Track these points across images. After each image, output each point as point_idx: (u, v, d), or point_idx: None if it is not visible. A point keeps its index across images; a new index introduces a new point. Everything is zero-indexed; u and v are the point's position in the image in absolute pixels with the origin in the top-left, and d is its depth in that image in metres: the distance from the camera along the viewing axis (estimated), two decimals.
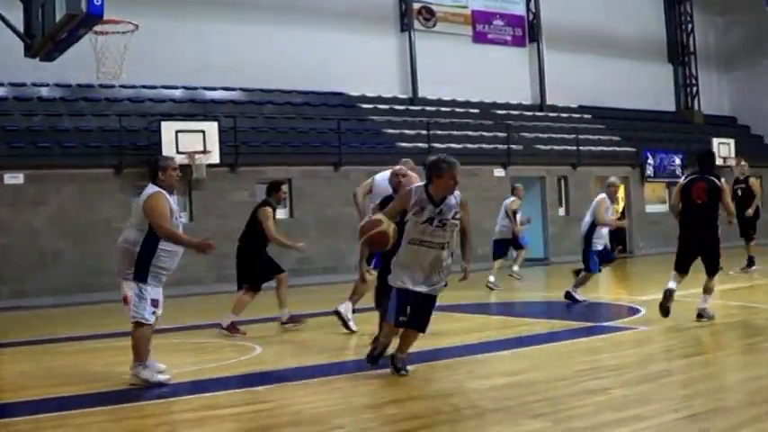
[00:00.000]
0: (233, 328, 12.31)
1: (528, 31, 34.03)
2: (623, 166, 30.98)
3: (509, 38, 33.42)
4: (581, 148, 30.17)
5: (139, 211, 8.62)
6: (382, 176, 11.90)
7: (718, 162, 31.55)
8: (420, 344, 9.10)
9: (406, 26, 31.27)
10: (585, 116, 34.35)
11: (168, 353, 10.05)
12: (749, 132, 39.75)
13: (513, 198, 19.49)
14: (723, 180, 11.90)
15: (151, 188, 8.68)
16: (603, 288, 18.72)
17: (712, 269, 11.58)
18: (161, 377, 8.56)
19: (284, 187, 13.50)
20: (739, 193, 19.94)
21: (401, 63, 31.26)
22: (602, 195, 15.13)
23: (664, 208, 31.83)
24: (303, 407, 7.61)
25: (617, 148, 32.16)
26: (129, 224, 8.95)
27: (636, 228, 30.94)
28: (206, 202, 23.18)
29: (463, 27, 32.50)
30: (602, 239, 15.15)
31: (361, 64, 29.56)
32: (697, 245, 11.63)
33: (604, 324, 12.49)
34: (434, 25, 31.76)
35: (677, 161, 32.02)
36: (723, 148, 32.42)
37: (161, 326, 9.45)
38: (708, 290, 11.69)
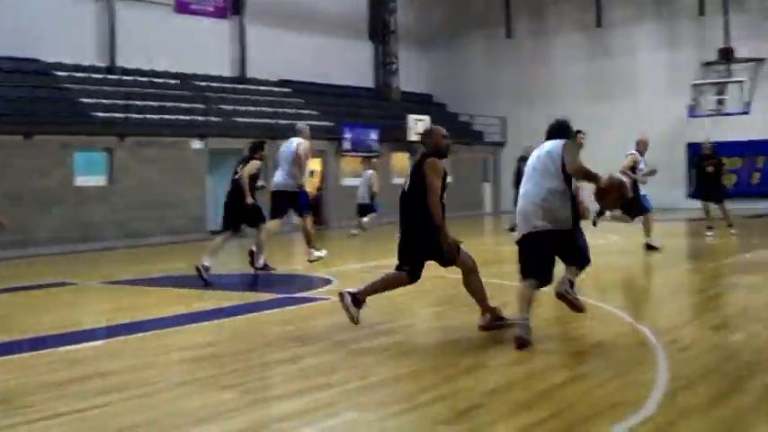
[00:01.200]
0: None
1: (231, 3, 33.72)
2: (321, 140, 31.38)
3: (211, 9, 32.93)
4: (280, 121, 30.30)
5: None
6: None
7: (413, 138, 32.75)
8: (113, 317, 8.84)
9: None
10: (286, 90, 34.53)
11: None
12: (445, 110, 41.38)
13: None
14: None
15: None
16: (297, 259, 18.88)
17: None
18: None
19: None
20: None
21: (99, 31, 30.12)
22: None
23: (358, 181, 32.62)
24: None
25: (315, 122, 32.51)
26: None
27: (331, 201, 31.47)
28: None
29: None
30: None
31: (58, 30, 28.26)
32: None
33: (297, 295, 12.57)
34: None
35: (374, 136, 32.83)
36: (419, 125, 33.57)
37: None
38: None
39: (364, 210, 24.22)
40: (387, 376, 7.17)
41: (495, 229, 29.08)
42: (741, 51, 33.88)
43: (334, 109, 34.08)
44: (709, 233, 20.52)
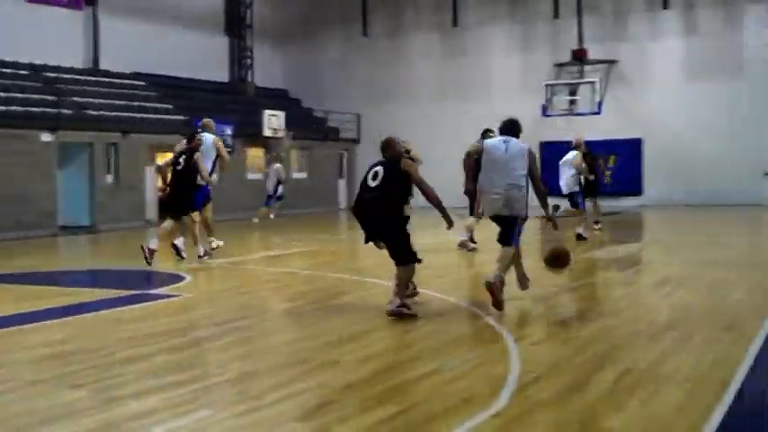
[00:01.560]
0: None
1: None
2: (175, 134, 30.98)
3: None
4: (133, 114, 29.80)
5: None
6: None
7: (268, 133, 32.69)
8: None
9: None
10: (139, 83, 33.95)
11: None
12: (300, 105, 41.37)
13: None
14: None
15: None
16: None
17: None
18: None
19: None
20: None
21: None
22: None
23: (213, 177, 32.31)
24: None
25: (170, 117, 32.13)
26: None
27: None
28: None
29: None
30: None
31: None
32: None
33: (149, 292, 12.45)
34: None
35: (228, 131, 32.59)
36: (273, 120, 33.54)
37: None
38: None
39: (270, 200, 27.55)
40: (239, 373, 7.19)
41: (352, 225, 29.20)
42: (594, 53, 34.88)
43: (188, 103, 33.67)
44: (596, 227, 21.19)
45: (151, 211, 29.83)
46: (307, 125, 38.09)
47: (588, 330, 8.80)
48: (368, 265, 15.57)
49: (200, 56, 37.38)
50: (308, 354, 7.86)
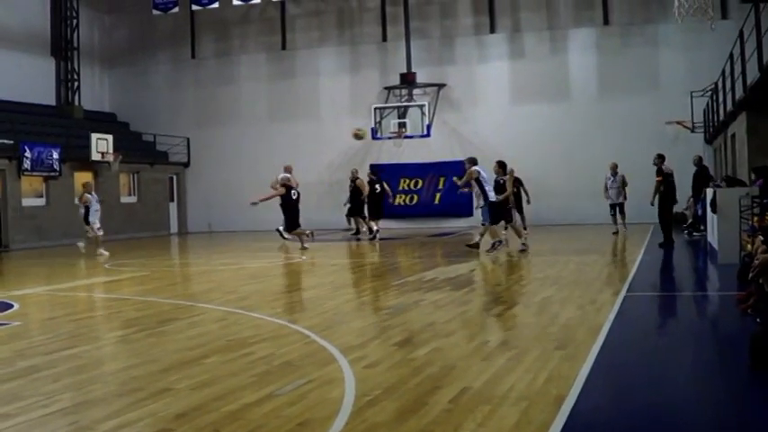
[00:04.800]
0: None
1: None
2: (0, 158, 30.20)
3: None
4: None
5: None
6: None
7: (96, 157, 32.14)
8: None
9: None
10: None
11: None
12: (129, 129, 40.74)
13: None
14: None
15: None
16: None
17: None
18: None
19: None
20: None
21: None
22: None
23: (41, 201, 31.63)
24: None
25: None
26: None
27: (11, 222, 30.28)
28: None
29: None
30: None
31: None
32: None
33: None
34: None
35: (55, 155, 31.90)
36: (101, 144, 32.98)
37: None
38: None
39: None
40: (71, 404, 7.10)
41: (188, 249, 29.04)
42: (422, 76, 35.59)
43: (14, 126, 32.77)
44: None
45: None
46: (135, 149, 37.58)
47: (422, 351, 8.89)
48: (199, 291, 15.54)
49: (26, 78, 36.53)
50: (140, 382, 7.80)
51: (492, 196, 21.11)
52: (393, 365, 8.29)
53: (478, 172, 21.16)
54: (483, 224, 21.51)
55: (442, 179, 35.24)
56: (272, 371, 8.16)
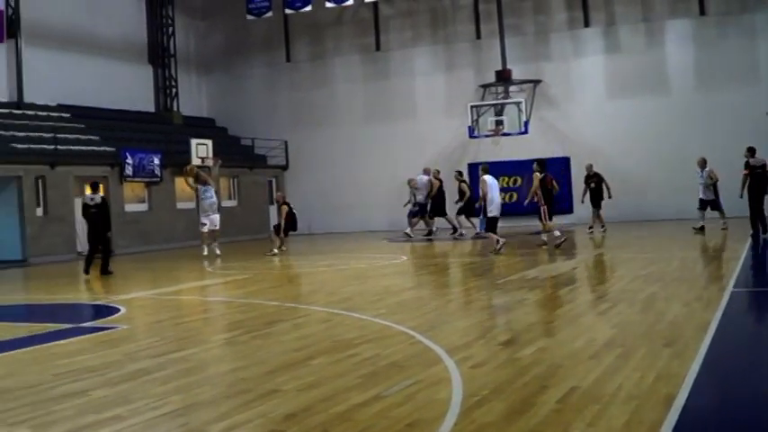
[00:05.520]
0: None
1: (6, 26, 32.53)
2: (103, 165, 30.78)
3: None
4: (60, 147, 29.48)
5: None
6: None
7: (197, 162, 32.51)
8: None
9: None
10: (65, 115, 33.61)
11: None
12: (227, 133, 41.23)
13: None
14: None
15: None
16: (83, 288, 18.50)
17: None
18: None
19: None
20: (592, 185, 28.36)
21: None
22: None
23: (143, 207, 32.15)
24: None
25: (96, 148, 31.85)
26: None
27: (115, 227, 30.75)
28: None
29: None
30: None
31: None
32: None
33: (84, 325, 12.35)
34: None
35: (156, 161, 32.42)
36: (201, 149, 33.37)
37: None
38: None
39: None
40: (181, 406, 7.13)
41: (288, 251, 29.21)
42: (518, 73, 35.21)
43: (115, 134, 33.44)
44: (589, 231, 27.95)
45: (82, 243, 29.52)
46: (234, 153, 37.99)
47: (528, 351, 8.75)
48: (302, 292, 15.61)
49: (126, 86, 37.24)
50: (248, 384, 7.82)
51: (496, 206, 21.95)
52: (499, 365, 8.17)
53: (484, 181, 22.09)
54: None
55: None
56: (378, 371, 8.10)
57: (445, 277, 17.90)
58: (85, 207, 21.34)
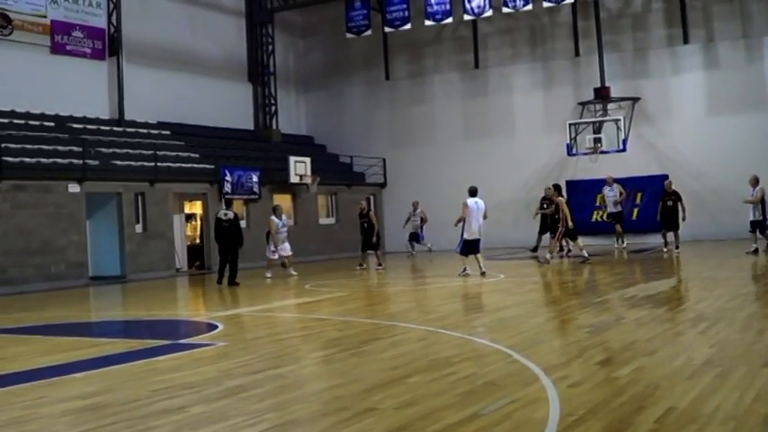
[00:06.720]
0: None
1: (108, 44, 33.25)
2: (202, 182, 31.16)
3: (88, 50, 32.48)
4: (159, 164, 29.89)
5: None
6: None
7: (294, 180, 32.72)
8: None
9: None
10: (164, 132, 34.15)
11: None
12: (325, 151, 41.46)
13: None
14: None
15: None
16: (181, 305, 18.69)
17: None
18: None
19: None
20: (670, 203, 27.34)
21: None
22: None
23: (242, 224, 32.41)
24: None
25: (195, 165, 32.26)
26: None
27: (213, 244, 31.06)
28: None
29: (41, 37, 30.93)
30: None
31: None
32: None
33: (182, 341, 12.41)
34: (10, 33, 29.99)
35: (255, 178, 32.70)
36: (299, 166, 33.62)
37: None
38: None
39: None
40: (277, 423, 7.07)
41: (386, 269, 29.18)
42: (616, 90, 34.79)
43: (214, 151, 33.84)
44: (665, 249, 27.35)
45: (181, 260, 29.93)
46: (332, 171, 38.17)
47: (625, 370, 8.59)
48: (398, 310, 15.50)
49: (225, 104, 37.74)
50: (344, 402, 7.74)
51: (474, 230, 21.66)
52: (597, 385, 8.01)
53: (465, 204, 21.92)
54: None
55: (639, 194, 34.28)
56: (475, 390, 7.98)
57: (542, 296, 17.62)
58: (218, 222, 23.18)
